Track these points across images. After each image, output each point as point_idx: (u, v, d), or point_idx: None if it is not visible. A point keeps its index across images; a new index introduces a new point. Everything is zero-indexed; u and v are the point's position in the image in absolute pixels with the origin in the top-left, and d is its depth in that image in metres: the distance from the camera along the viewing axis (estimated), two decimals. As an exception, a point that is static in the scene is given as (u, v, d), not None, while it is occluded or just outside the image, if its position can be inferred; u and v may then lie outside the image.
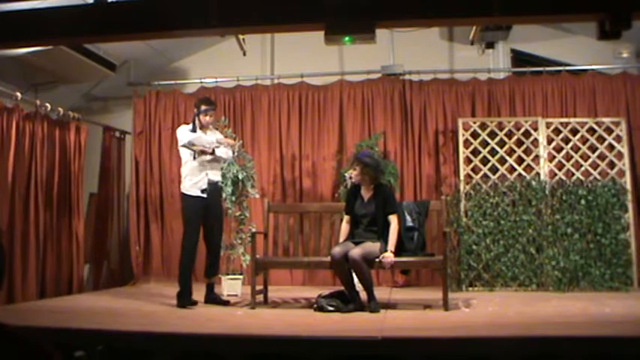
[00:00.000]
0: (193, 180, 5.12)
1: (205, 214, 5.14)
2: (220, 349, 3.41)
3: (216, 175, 5.24)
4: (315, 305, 4.69)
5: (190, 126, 5.20)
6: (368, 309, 4.55)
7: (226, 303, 5.19)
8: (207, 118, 5.21)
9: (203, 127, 5.20)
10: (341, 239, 4.97)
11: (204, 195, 5.10)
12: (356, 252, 4.57)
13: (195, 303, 4.99)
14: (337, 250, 4.68)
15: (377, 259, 4.66)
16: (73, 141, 6.57)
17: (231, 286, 5.86)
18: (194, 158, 5.13)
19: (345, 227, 5.01)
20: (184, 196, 5.18)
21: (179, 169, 7.24)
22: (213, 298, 5.21)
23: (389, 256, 4.65)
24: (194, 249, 5.15)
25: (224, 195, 5.95)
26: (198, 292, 5.38)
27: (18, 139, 5.75)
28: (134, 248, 7.25)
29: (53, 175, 6.25)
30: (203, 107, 5.19)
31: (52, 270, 6.10)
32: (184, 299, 4.97)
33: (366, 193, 4.94)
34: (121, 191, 7.57)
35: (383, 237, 4.78)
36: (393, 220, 4.81)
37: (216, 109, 5.40)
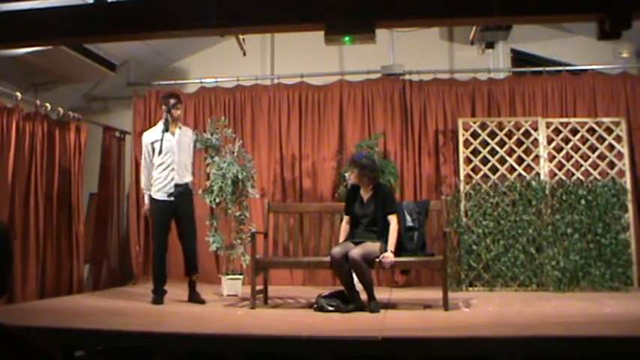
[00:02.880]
0: (160, 185, 5.20)
1: (175, 217, 5.25)
2: (220, 349, 3.41)
3: (184, 177, 5.25)
4: (315, 305, 4.69)
5: (161, 126, 5.24)
6: (368, 309, 4.55)
7: (202, 302, 5.22)
8: (178, 112, 5.31)
9: (174, 121, 5.27)
10: (341, 239, 4.97)
11: (172, 199, 5.17)
12: (356, 252, 4.57)
13: (160, 303, 5.11)
14: (337, 250, 4.68)
15: (377, 259, 4.65)
16: (73, 141, 6.57)
17: (231, 286, 5.86)
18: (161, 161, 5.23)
19: (344, 227, 5.01)
20: (152, 199, 5.26)
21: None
22: (193, 298, 5.27)
23: (389, 256, 4.65)
24: (163, 251, 5.27)
25: (224, 195, 5.95)
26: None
27: (18, 139, 5.75)
28: (134, 248, 7.25)
29: (53, 175, 6.24)
30: (172, 101, 5.26)
31: (52, 270, 6.10)
32: (156, 297, 5.14)
33: (365, 194, 4.94)
34: (121, 191, 7.57)
35: (383, 237, 4.77)
36: (393, 220, 4.81)
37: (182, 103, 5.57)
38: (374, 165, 5.00)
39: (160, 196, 5.20)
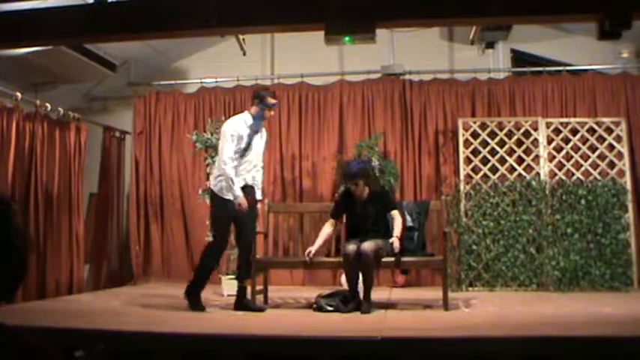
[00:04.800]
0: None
1: (236, 219, 4.82)
2: (220, 349, 3.41)
3: (251, 178, 4.93)
4: (315, 305, 4.69)
5: (248, 120, 4.83)
6: (360, 308, 4.54)
7: (261, 310, 4.78)
8: (272, 112, 4.97)
9: (264, 120, 4.93)
10: (320, 240, 4.88)
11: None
12: (368, 245, 4.58)
13: (204, 309, 4.76)
14: (350, 247, 4.63)
15: (384, 258, 4.66)
16: (73, 141, 6.57)
17: (231, 286, 5.84)
18: (241, 156, 4.79)
19: (327, 230, 4.92)
20: (220, 198, 4.77)
21: (179, 169, 7.32)
22: (245, 304, 4.81)
23: (395, 242, 4.66)
24: (223, 251, 4.97)
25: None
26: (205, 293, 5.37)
27: (18, 139, 5.74)
28: (134, 248, 7.25)
29: (53, 175, 6.24)
30: (272, 101, 4.89)
31: (52, 270, 6.10)
32: (199, 301, 4.79)
33: (360, 197, 4.90)
34: (121, 191, 7.57)
35: (387, 235, 4.77)
36: (397, 214, 4.85)
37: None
38: (369, 168, 4.97)
39: (232, 196, 4.74)
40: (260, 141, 4.97)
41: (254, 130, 4.86)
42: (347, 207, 4.98)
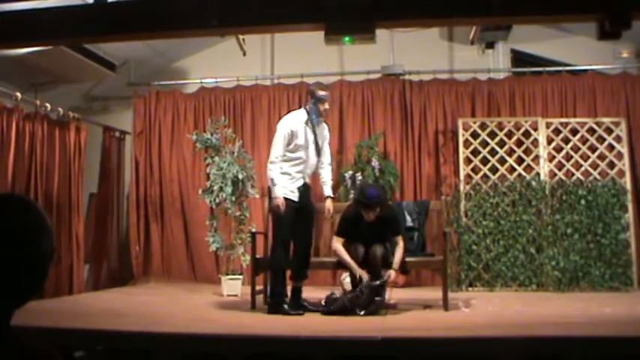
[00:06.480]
0: (288, 182, 4.61)
1: (296, 215, 4.67)
2: (220, 349, 3.41)
3: (308, 176, 4.80)
4: (320, 307, 4.66)
5: (304, 115, 4.69)
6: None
7: (314, 309, 4.68)
8: (326, 105, 4.73)
9: (320, 115, 4.74)
10: (350, 259, 4.69)
11: (296, 199, 4.64)
12: (378, 248, 4.59)
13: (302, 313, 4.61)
14: (360, 249, 4.66)
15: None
16: (73, 141, 6.56)
17: (231, 286, 5.85)
18: (295, 152, 4.63)
19: (341, 247, 4.77)
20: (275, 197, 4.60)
21: (179, 169, 7.32)
22: (300, 304, 4.70)
23: (392, 274, 4.60)
24: (289, 251, 4.73)
25: (224, 195, 5.96)
26: (200, 294, 5.36)
27: (18, 139, 5.74)
28: (134, 248, 7.25)
29: (53, 175, 6.23)
30: (321, 92, 4.68)
31: (52, 270, 6.07)
32: (285, 304, 4.62)
33: (369, 220, 4.72)
34: (120, 191, 7.57)
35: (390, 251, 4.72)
36: (400, 241, 4.72)
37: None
38: (384, 192, 4.84)
39: (289, 195, 4.61)
40: (320, 137, 4.78)
41: (310, 126, 4.69)
42: (354, 227, 4.78)
